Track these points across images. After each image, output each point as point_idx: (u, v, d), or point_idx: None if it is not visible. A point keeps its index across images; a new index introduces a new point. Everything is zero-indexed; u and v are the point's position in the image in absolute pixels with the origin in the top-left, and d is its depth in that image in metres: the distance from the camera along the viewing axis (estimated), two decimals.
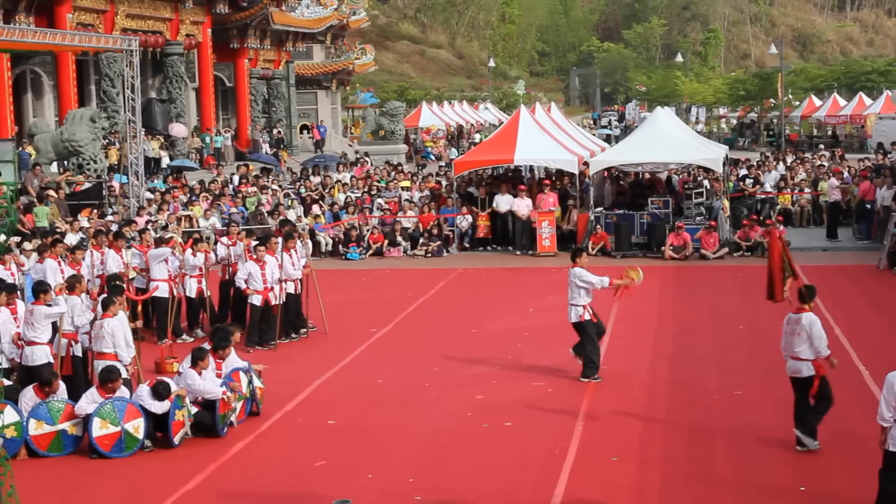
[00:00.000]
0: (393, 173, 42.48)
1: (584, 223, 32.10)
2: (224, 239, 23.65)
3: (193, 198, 34.30)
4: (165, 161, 45.43)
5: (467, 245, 33.24)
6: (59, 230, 26.40)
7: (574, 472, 13.15)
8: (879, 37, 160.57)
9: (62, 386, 15.19)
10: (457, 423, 15.43)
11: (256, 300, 20.70)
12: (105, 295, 16.98)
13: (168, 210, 31.47)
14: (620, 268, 27.81)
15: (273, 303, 20.76)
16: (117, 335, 15.74)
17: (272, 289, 20.79)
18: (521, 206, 32.31)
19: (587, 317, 17.91)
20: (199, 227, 29.78)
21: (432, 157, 70.03)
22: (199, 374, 15.17)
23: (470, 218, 33.37)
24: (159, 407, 14.62)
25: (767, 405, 15.93)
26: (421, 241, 32.71)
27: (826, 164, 41.86)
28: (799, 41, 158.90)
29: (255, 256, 20.93)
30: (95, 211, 30.68)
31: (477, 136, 76.49)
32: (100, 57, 44.50)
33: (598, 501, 12.25)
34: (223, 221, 31.00)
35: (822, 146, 59.13)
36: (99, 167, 35.27)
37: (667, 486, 12.75)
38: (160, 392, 14.78)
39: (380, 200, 35.92)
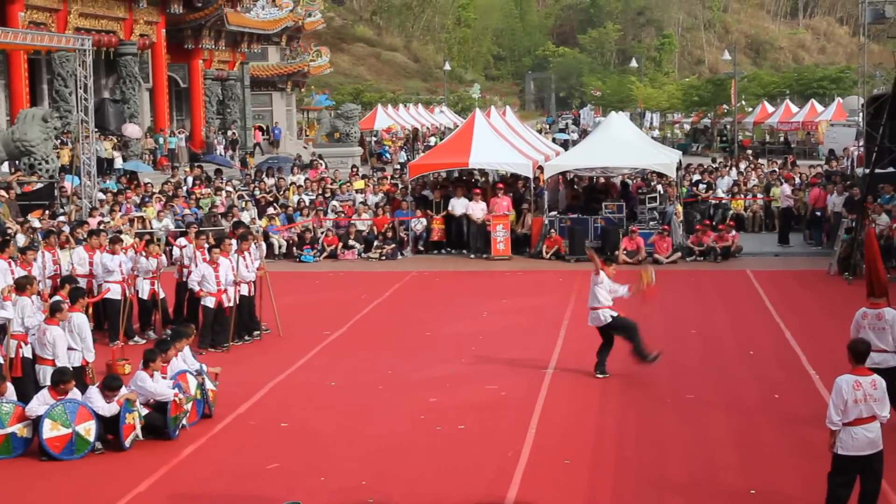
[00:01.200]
0: (349, 176, 42.42)
1: (538, 227, 32.19)
2: (181, 240, 23.55)
3: (147, 199, 34.09)
4: (118, 162, 45.12)
5: (422, 248, 33.24)
6: (9, 230, 26.15)
7: (527, 475, 13.18)
8: (831, 44, 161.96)
9: (10, 388, 15.05)
10: (410, 426, 15.42)
11: (210, 302, 20.61)
12: (56, 298, 16.87)
13: (120, 211, 31.26)
14: (575, 271, 27.98)
15: (226, 305, 20.68)
16: (59, 345, 15.61)
17: (226, 291, 20.70)
18: (476, 209, 32.35)
19: (611, 317, 18.10)
20: (152, 228, 29.60)
21: (388, 156, 70.16)
22: (151, 375, 15.08)
23: (424, 221, 33.36)
24: (108, 410, 14.51)
25: (719, 409, 16.03)
26: (375, 243, 32.68)
27: (777, 170, 42.22)
28: (752, 48, 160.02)
29: (208, 258, 20.84)
30: (46, 212, 30.42)
31: (432, 140, 76.51)
32: (52, 56, 44.14)
33: None
34: (177, 223, 30.85)
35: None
36: (51, 167, 35.00)
37: (619, 489, 12.79)
38: (111, 385, 14.69)
39: (335, 203, 35.86)
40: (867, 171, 29.39)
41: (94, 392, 14.80)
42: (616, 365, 18.74)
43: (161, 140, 50.65)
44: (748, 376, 17.84)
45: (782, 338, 20.73)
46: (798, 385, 17.28)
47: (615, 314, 18.20)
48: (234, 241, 21.35)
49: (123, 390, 14.81)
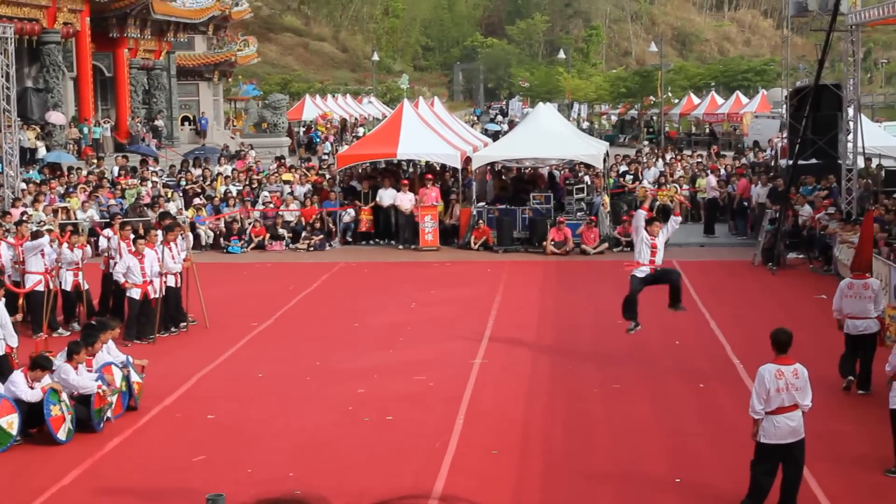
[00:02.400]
0: (276, 166, 42.18)
1: (466, 218, 32.24)
2: (107, 231, 23.32)
3: (71, 189, 33.67)
4: (42, 152, 44.48)
5: (350, 239, 33.18)
6: None
7: (454, 466, 13.21)
8: (756, 37, 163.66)
9: None
10: (338, 417, 15.39)
11: (135, 294, 20.42)
12: None
13: (44, 202, 30.82)
14: (503, 262, 28.06)
15: (152, 296, 20.50)
16: None
17: (151, 282, 20.52)
18: (404, 200, 32.34)
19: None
20: (76, 219, 29.24)
21: (318, 140, 70.04)
22: (75, 368, 14.92)
23: (352, 212, 33.28)
24: (31, 396, 14.31)
25: (645, 398, 16.18)
26: (303, 234, 32.56)
27: (703, 160, 42.65)
28: (678, 40, 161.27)
29: (133, 249, 20.64)
30: None
31: (360, 130, 76.31)
32: None
33: (477, 494, 12.30)
34: (101, 214, 30.50)
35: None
36: None
37: (546, 478, 12.87)
38: (42, 364, 14.52)
39: (264, 193, 35.66)
40: (791, 162, 29.75)
41: (18, 377, 14.59)
42: (543, 356, 18.86)
43: (86, 130, 50.02)
44: (674, 366, 18.02)
45: (707, 328, 20.95)
46: (722, 374, 17.47)
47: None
48: (159, 232, 21.17)
49: (47, 379, 14.61)
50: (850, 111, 29.49)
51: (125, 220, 25.81)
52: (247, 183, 37.64)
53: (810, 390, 11.60)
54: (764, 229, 28.62)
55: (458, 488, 12.45)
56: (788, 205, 28.42)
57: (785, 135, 36.05)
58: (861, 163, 30.95)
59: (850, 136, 29.06)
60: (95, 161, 41.55)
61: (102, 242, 22.64)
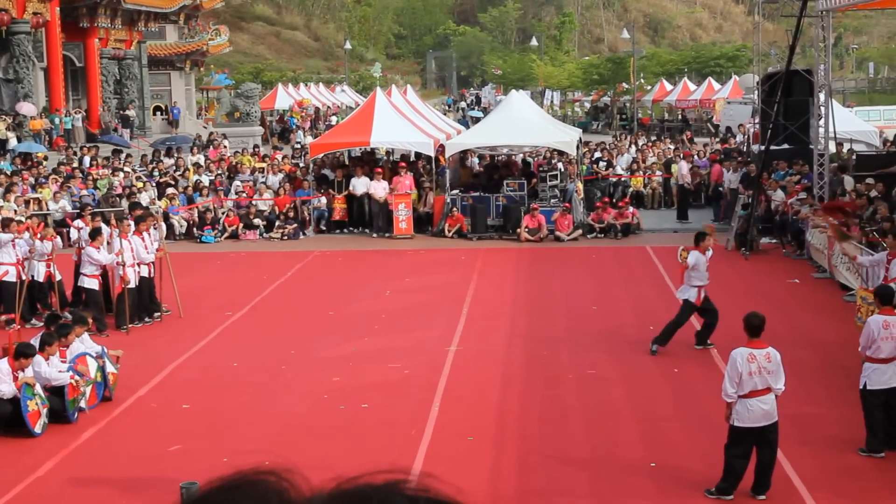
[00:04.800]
0: (250, 154, 42.09)
1: (440, 205, 32.24)
2: (78, 222, 23.23)
3: (42, 180, 33.49)
4: (13, 142, 44.23)
5: (324, 228, 33.13)
6: None
7: (430, 453, 13.24)
8: (727, 23, 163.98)
9: None
10: (313, 406, 15.39)
11: (93, 284, 20.40)
12: None
13: (17, 192, 30.66)
14: (477, 249, 28.12)
15: (132, 285, 20.44)
16: None
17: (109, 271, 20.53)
18: (378, 188, 32.31)
19: (686, 296, 18.15)
20: (48, 210, 29.10)
21: (295, 126, 69.98)
22: (47, 359, 14.87)
23: (325, 200, 33.23)
24: (8, 390, 14.24)
25: (619, 384, 16.24)
26: (277, 223, 32.49)
27: (675, 146, 42.78)
28: (650, 26, 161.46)
29: (92, 241, 20.62)
30: None
31: (333, 119, 76.16)
32: None
33: (453, 481, 12.30)
34: (73, 204, 30.36)
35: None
36: None
37: (521, 464, 12.91)
38: (25, 352, 14.47)
39: (237, 183, 35.56)
40: (763, 147, 29.87)
41: (3, 365, 14.48)
42: (518, 342, 18.90)
43: (57, 120, 49.76)
44: (648, 351, 18.06)
45: None
46: (696, 359, 17.55)
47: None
48: (132, 223, 21.12)
49: (29, 370, 14.54)
50: (822, 96, 29.62)
51: (95, 210, 25.71)
52: (219, 172, 37.52)
53: (783, 374, 11.68)
54: (737, 214, 28.73)
55: (434, 475, 12.44)
56: (761, 190, 28.54)
57: (757, 120, 36.16)
58: (833, 148, 31.11)
59: (822, 122, 29.19)
60: (65, 152, 41.31)
61: (73, 233, 22.54)
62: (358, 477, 1.57)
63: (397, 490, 1.57)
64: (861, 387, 13.11)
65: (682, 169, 35.39)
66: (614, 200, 33.80)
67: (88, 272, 20.45)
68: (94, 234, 20.74)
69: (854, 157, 32.75)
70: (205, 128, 61.58)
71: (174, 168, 38.38)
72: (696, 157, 38.79)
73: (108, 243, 20.98)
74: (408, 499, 1.56)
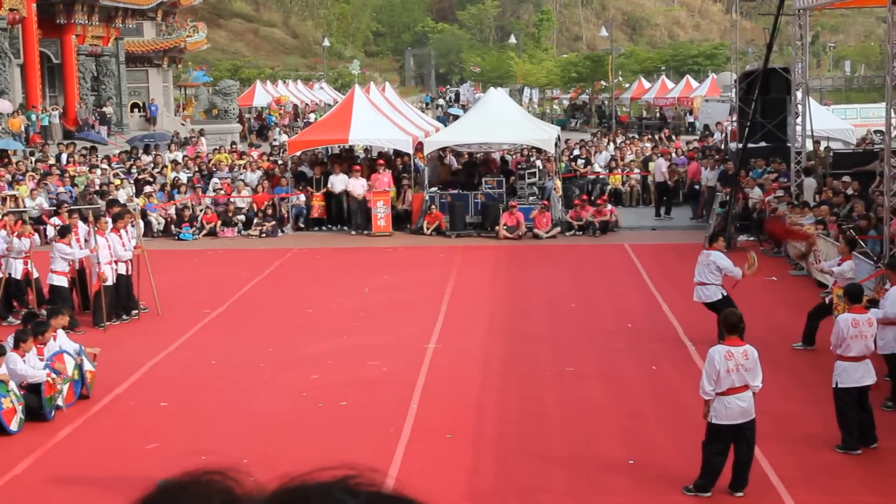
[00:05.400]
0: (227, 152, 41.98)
1: (418, 203, 32.23)
2: (54, 219, 23.15)
3: (20, 177, 33.34)
4: None
5: (302, 225, 33.06)
6: None
7: (409, 450, 13.23)
8: (705, 21, 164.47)
9: None
10: (292, 404, 15.37)
11: (62, 281, 20.34)
12: None
13: None
14: (455, 247, 28.11)
15: (110, 283, 20.37)
16: None
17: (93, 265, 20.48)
18: (356, 185, 32.27)
19: (720, 295, 17.96)
20: (24, 206, 28.97)
21: (274, 122, 69.83)
22: (23, 356, 14.80)
23: (303, 197, 33.17)
24: None
25: (598, 381, 16.27)
26: (255, 221, 32.41)
27: (653, 145, 42.86)
28: (629, 24, 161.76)
29: (59, 237, 20.56)
30: None
31: (312, 116, 76.04)
32: None
33: (432, 479, 12.34)
34: (50, 202, 30.23)
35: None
36: None
37: (500, 462, 12.91)
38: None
39: (214, 180, 35.46)
40: (740, 145, 29.96)
41: None
42: (497, 340, 18.91)
43: (34, 117, 49.54)
44: (626, 349, 18.12)
45: (659, 310, 21.09)
46: (674, 356, 17.60)
47: (721, 296, 18.14)
48: (109, 220, 21.05)
49: (3, 368, 14.47)
50: (799, 94, 29.74)
51: (72, 207, 25.61)
52: (196, 169, 37.41)
53: (760, 371, 11.72)
54: (714, 212, 28.82)
55: (412, 473, 12.47)
56: (738, 188, 28.62)
57: (734, 118, 36.30)
58: (810, 145, 31.23)
59: (799, 120, 29.31)
60: (41, 149, 41.13)
61: (50, 231, 22.47)
62: (304, 474, 1.58)
63: (340, 486, 1.57)
64: (833, 385, 13.19)
65: (660, 167, 35.48)
66: (592, 198, 33.85)
67: (58, 269, 20.37)
68: (64, 231, 20.68)
69: (831, 155, 32.88)
70: (183, 125, 61.41)
71: (152, 165, 38.26)
72: (673, 154, 38.86)
73: (86, 240, 20.94)
74: (349, 494, 1.56)
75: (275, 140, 57.93)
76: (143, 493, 1.67)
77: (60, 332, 16.11)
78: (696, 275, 18.43)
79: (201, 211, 32.70)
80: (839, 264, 18.13)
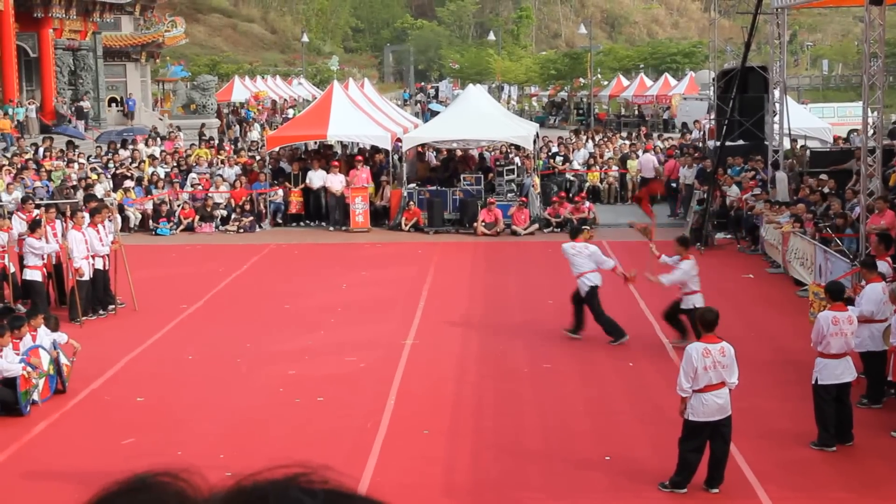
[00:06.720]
0: (205, 147, 41.84)
1: (397, 199, 32.21)
2: (19, 214, 23.07)
3: None
4: None
5: (280, 221, 33.01)
6: None
7: (385, 446, 13.24)
8: (684, 19, 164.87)
9: None
10: (268, 399, 15.35)
11: (35, 275, 20.28)
12: None
13: None
14: (434, 243, 28.11)
15: (86, 277, 20.31)
16: None
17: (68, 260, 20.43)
18: (335, 181, 32.24)
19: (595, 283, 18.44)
20: (1, 201, 28.83)
21: (251, 118, 69.70)
22: None
23: (282, 193, 33.12)
24: None
25: (575, 378, 16.30)
26: (233, 216, 32.34)
27: (632, 141, 42.93)
28: (607, 22, 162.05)
29: (30, 232, 20.50)
30: None
31: (290, 112, 75.93)
32: None
33: (409, 474, 12.35)
34: (26, 196, 30.09)
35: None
36: None
37: (476, 458, 12.94)
38: None
39: (192, 175, 35.35)
40: (718, 143, 30.05)
41: None
42: (474, 336, 18.92)
43: (10, 111, 49.31)
44: (603, 345, 18.15)
45: (636, 307, 21.14)
46: (651, 353, 17.65)
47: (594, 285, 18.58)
48: (86, 215, 20.98)
49: None
50: (777, 93, 29.87)
51: (49, 201, 25.50)
52: (174, 164, 37.26)
53: (737, 368, 11.77)
54: (692, 210, 28.90)
55: (389, 469, 12.48)
56: (716, 185, 28.70)
57: (712, 116, 36.40)
58: (787, 144, 31.35)
59: (777, 118, 29.42)
60: (17, 143, 40.95)
61: (17, 225, 22.35)
62: (257, 473, 1.59)
63: (295, 484, 1.58)
64: (813, 382, 13.25)
65: (648, 162, 35.55)
66: (570, 195, 33.89)
67: (31, 264, 20.30)
68: (34, 226, 20.61)
69: (808, 153, 33.00)
70: (161, 120, 61.24)
71: (129, 160, 38.11)
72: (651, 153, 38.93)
73: (64, 236, 20.86)
74: (305, 492, 1.57)
75: (247, 139, 57.61)
76: (90, 499, 1.68)
77: (41, 330, 15.99)
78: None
79: (179, 206, 32.60)
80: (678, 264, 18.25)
